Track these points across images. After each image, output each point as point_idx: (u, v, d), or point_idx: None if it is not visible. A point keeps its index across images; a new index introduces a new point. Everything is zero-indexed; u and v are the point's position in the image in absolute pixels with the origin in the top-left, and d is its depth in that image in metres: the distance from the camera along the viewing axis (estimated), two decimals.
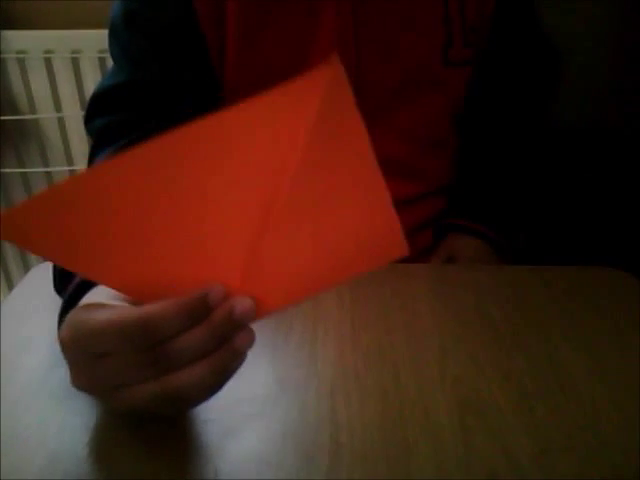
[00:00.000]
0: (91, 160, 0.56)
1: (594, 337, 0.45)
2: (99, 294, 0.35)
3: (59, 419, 0.38)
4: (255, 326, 0.32)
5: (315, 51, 0.55)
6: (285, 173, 0.27)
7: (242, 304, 0.30)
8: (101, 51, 1.06)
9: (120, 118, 0.55)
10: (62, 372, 0.42)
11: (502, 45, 0.62)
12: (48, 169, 1.19)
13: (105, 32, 0.60)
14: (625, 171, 1.14)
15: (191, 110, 0.58)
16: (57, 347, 0.44)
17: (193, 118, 0.53)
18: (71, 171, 1.19)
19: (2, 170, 1.18)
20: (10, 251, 1.27)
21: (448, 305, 0.49)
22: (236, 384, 0.41)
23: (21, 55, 1.09)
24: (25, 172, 1.19)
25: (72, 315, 0.35)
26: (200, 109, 0.60)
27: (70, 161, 1.18)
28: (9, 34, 1.07)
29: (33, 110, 1.14)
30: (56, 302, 0.50)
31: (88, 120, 0.58)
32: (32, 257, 1.28)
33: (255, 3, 0.54)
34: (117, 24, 0.57)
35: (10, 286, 1.31)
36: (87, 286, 0.38)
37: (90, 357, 0.33)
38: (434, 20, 0.57)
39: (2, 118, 1.12)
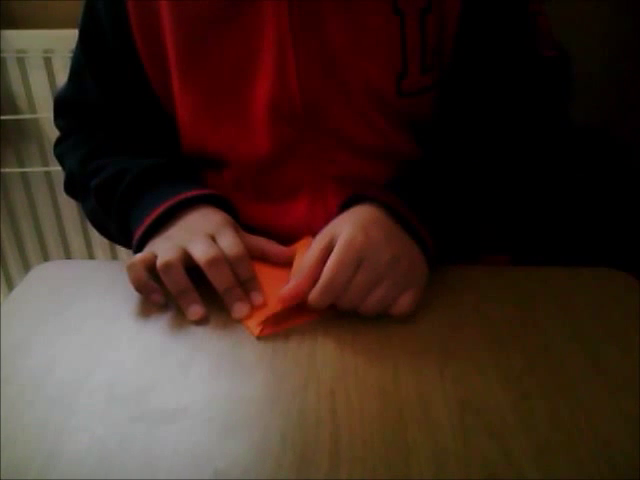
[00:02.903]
0: (56, 149, 0.66)
1: (594, 337, 0.45)
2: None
3: (59, 419, 0.38)
4: None
5: (257, 77, 0.54)
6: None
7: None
8: None
9: (72, 122, 0.65)
10: (62, 372, 0.42)
11: (476, 61, 0.57)
12: (48, 169, 1.19)
13: None
14: (625, 171, 1.14)
15: (134, 124, 0.61)
16: (57, 347, 0.45)
17: (140, 131, 0.63)
18: None
19: (2, 170, 1.17)
20: (10, 251, 1.27)
21: (448, 305, 0.49)
22: (236, 384, 0.41)
23: (21, 54, 1.08)
24: (25, 172, 1.19)
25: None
26: (146, 122, 0.61)
27: None
28: (9, 33, 1.07)
29: (33, 110, 1.13)
30: (56, 302, 0.50)
31: (54, 117, 0.67)
32: (32, 257, 1.28)
33: (190, 31, 0.54)
34: (78, 35, 0.61)
35: (10, 286, 1.31)
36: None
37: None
38: (388, 49, 0.53)
39: (2, 118, 1.12)
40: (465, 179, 0.56)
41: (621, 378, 0.42)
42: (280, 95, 0.54)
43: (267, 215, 0.61)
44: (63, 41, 1.06)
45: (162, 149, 0.61)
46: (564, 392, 0.40)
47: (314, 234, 0.54)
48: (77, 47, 0.61)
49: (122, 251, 1.29)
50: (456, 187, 0.55)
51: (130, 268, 0.47)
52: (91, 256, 1.28)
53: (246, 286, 0.48)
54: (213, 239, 0.49)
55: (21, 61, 1.09)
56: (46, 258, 1.28)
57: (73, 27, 0.62)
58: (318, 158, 0.58)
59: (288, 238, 0.58)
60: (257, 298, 0.48)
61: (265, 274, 0.50)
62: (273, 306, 0.48)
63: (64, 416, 0.39)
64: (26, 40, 1.07)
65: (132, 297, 0.50)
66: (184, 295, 0.47)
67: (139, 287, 0.48)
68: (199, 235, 0.49)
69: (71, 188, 0.64)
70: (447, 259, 0.52)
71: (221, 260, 0.47)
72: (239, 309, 0.47)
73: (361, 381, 0.41)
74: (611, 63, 1.14)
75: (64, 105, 0.65)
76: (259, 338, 0.46)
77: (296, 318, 0.47)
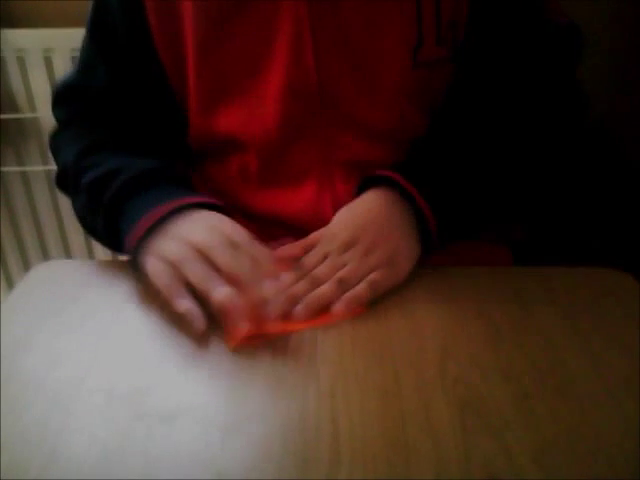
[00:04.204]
0: (53, 141, 0.63)
1: (594, 337, 0.45)
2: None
3: (59, 419, 0.38)
4: None
5: (274, 56, 0.54)
6: None
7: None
8: None
9: (75, 113, 0.62)
10: (62, 372, 0.42)
11: (490, 36, 0.57)
12: (48, 167, 1.18)
13: None
14: (625, 171, 1.14)
15: (142, 114, 0.60)
16: (57, 346, 0.45)
17: (144, 120, 0.61)
18: None
19: (2, 169, 1.17)
20: (10, 251, 1.27)
21: (448, 305, 0.49)
22: (236, 384, 0.41)
23: (21, 53, 1.08)
24: (25, 171, 1.19)
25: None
26: (154, 113, 0.61)
27: None
28: (9, 32, 1.07)
29: (33, 108, 1.13)
30: (56, 302, 0.50)
31: (54, 105, 0.64)
32: (32, 257, 1.28)
33: (211, 12, 0.54)
34: (86, 27, 0.60)
35: (10, 286, 1.31)
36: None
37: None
38: (404, 21, 0.53)
39: (2, 116, 1.12)
40: (474, 156, 0.56)
41: (621, 378, 0.42)
42: (296, 75, 0.54)
43: (274, 201, 0.61)
44: (63, 40, 1.06)
45: (165, 145, 0.61)
46: (564, 392, 0.40)
47: (321, 220, 0.56)
48: (86, 37, 0.60)
49: None
50: (464, 164, 0.55)
51: (155, 276, 0.47)
52: (91, 256, 1.28)
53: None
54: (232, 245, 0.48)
55: (21, 60, 1.09)
56: (46, 258, 1.28)
57: (73, 26, 0.62)
58: (328, 142, 0.58)
59: (295, 225, 0.57)
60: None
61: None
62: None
63: (64, 416, 0.39)
64: (26, 39, 1.07)
65: (132, 297, 0.50)
66: (210, 279, 0.45)
67: (169, 291, 0.46)
68: (216, 239, 0.48)
69: (63, 182, 0.61)
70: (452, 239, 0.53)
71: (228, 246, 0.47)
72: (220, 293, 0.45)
73: (361, 381, 0.41)
74: (611, 63, 1.14)
75: (69, 92, 0.63)
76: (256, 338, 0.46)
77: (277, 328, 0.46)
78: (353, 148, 0.58)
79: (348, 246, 0.50)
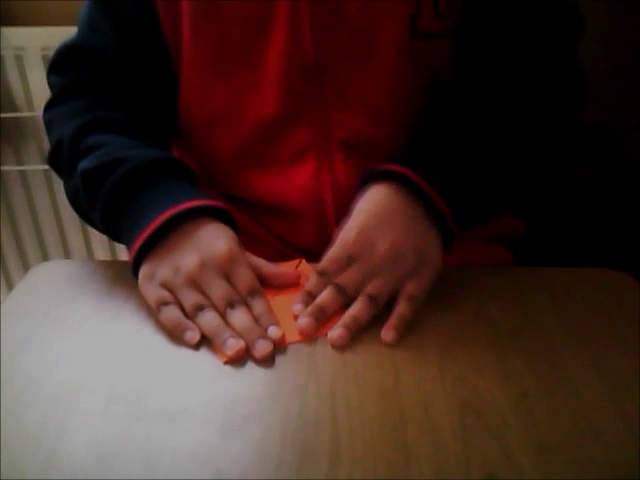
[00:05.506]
0: (48, 114, 0.60)
1: (594, 337, 0.45)
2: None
3: (58, 419, 0.38)
4: None
5: (272, 30, 0.54)
6: None
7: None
8: None
9: (74, 79, 0.60)
10: (61, 372, 0.42)
11: (489, 12, 0.56)
12: (46, 167, 1.18)
13: None
14: (625, 171, 1.14)
15: (142, 80, 0.59)
16: (56, 347, 0.44)
17: (143, 88, 0.60)
18: None
19: (0, 168, 1.17)
20: (9, 251, 1.26)
21: (448, 305, 0.49)
22: (236, 384, 0.41)
23: (19, 52, 1.08)
24: (23, 170, 1.19)
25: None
26: (152, 80, 0.59)
27: None
28: (7, 31, 1.06)
29: (31, 107, 1.13)
30: (56, 302, 0.50)
31: (50, 72, 0.62)
32: (32, 257, 1.28)
33: None
34: None
35: (10, 286, 1.31)
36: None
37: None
38: None
39: (0, 116, 1.12)
40: (476, 138, 0.54)
41: (621, 378, 0.42)
42: (293, 50, 0.54)
43: (271, 184, 0.59)
44: (61, 38, 1.05)
45: (159, 122, 0.60)
46: (564, 392, 0.40)
47: (320, 201, 0.54)
48: (89, 1, 0.58)
49: (122, 250, 1.28)
50: (467, 148, 0.54)
51: (163, 311, 0.46)
52: (91, 256, 1.28)
53: (261, 321, 0.46)
54: (225, 274, 0.47)
55: (19, 59, 1.09)
56: (45, 257, 1.28)
57: (71, 24, 0.61)
58: (326, 120, 0.57)
59: (294, 208, 0.56)
60: (274, 332, 0.45)
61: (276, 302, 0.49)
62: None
63: (63, 416, 0.39)
64: (24, 37, 1.07)
65: (132, 297, 0.49)
66: (200, 313, 0.46)
67: (175, 327, 0.46)
68: (214, 278, 0.47)
69: (56, 160, 0.57)
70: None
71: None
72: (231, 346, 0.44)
73: (361, 381, 0.41)
74: (611, 63, 1.14)
75: (71, 53, 0.60)
76: None
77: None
78: (351, 127, 0.57)
79: (369, 253, 0.47)
